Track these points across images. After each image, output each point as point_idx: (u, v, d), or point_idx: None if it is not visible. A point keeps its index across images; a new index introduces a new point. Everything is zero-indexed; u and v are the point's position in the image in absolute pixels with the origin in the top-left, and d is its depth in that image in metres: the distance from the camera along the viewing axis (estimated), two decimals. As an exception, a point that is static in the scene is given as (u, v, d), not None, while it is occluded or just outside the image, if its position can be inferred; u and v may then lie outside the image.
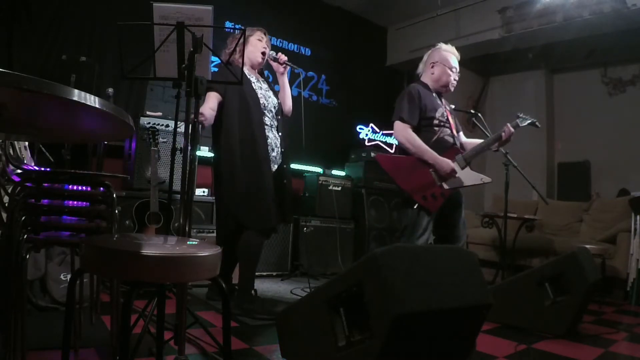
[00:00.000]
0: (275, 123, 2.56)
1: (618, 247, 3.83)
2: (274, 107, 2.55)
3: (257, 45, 2.55)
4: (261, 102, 2.47)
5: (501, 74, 6.41)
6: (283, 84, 2.64)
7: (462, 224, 2.58)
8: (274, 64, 2.58)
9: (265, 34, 2.60)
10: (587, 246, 2.96)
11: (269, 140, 2.46)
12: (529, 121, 2.61)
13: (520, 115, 2.61)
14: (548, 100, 5.98)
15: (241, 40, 1.91)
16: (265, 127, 2.47)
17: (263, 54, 2.55)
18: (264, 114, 2.47)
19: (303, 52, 5.19)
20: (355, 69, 5.70)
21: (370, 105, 5.58)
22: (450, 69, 2.61)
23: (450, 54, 2.64)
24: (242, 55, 2.07)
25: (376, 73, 5.95)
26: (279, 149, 2.53)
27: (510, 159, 3.10)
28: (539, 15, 4.55)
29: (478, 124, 2.88)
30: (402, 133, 2.49)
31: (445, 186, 2.47)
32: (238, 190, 2.37)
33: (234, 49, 2.18)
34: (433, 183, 2.46)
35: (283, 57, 2.56)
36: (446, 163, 2.44)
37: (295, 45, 5.12)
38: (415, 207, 2.42)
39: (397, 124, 2.51)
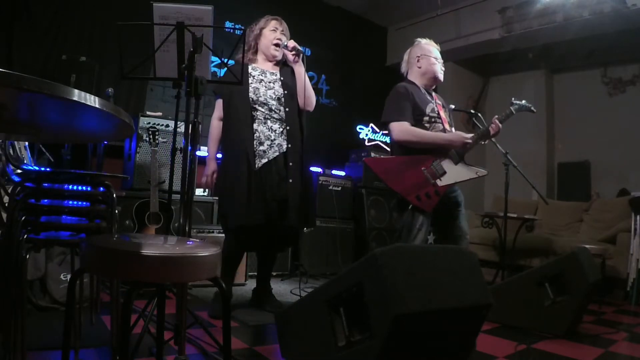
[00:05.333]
0: (276, 115, 2.38)
1: (618, 247, 3.83)
2: (274, 99, 2.38)
3: (269, 37, 2.43)
4: (250, 96, 2.34)
5: (501, 74, 6.41)
6: (297, 74, 2.45)
7: (464, 223, 2.50)
8: (286, 53, 2.42)
9: (280, 23, 2.48)
10: (587, 246, 2.96)
11: (256, 134, 2.32)
12: (524, 107, 2.57)
13: (514, 102, 2.58)
14: (548, 100, 5.97)
15: (244, 38, 1.91)
16: (256, 120, 2.34)
17: (277, 45, 2.42)
18: (253, 108, 2.34)
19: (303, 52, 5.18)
20: (355, 69, 5.70)
21: (370, 105, 5.55)
22: (435, 59, 2.60)
23: (430, 46, 2.64)
24: (243, 54, 2.06)
25: (376, 73, 5.94)
26: (278, 142, 2.35)
27: (510, 159, 3.09)
28: (539, 15, 4.56)
29: (478, 124, 2.88)
30: (403, 130, 2.40)
31: (439, 184, 2.40)
32: (218, 189, 2.40)
33: (242, 48, 2.11)
34: (426, 182, 2.40)
35: (291, 43, 2.38)
36: (457, 136, 2.42)
37: (295, 45, 5.12)
38: (409, 208, 2.38)
39: (393, 125, 2.43)
